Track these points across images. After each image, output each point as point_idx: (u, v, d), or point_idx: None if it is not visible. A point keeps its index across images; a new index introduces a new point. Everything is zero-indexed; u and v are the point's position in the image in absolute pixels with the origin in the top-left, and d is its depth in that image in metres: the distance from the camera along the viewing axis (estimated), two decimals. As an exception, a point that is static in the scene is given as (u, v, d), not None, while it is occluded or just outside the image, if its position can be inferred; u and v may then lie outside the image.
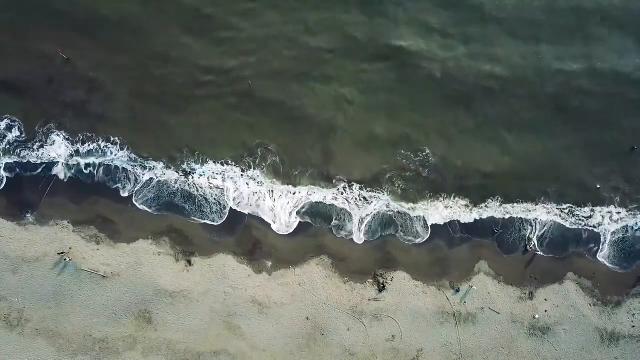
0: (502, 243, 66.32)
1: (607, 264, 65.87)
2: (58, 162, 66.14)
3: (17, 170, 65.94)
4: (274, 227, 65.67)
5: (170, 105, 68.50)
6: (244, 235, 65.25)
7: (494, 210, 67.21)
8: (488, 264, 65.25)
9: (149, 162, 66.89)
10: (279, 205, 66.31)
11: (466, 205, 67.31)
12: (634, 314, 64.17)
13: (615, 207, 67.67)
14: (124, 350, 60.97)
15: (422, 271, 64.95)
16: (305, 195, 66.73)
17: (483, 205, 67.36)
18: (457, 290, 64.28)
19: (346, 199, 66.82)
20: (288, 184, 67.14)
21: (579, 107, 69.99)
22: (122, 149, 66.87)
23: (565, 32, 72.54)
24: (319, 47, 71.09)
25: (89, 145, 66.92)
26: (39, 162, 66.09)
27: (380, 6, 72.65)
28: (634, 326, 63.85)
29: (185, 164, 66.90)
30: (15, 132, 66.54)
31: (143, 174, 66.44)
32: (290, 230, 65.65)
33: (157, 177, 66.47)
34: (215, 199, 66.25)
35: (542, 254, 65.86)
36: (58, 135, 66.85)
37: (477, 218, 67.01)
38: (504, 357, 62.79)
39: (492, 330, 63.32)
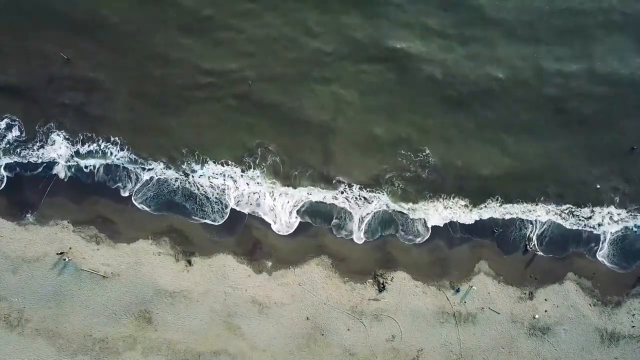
0: (502, 243, 66.39)
1: (607, 264, 65.94)
2: (58, 161, 66.17)
3: (17, 169, 65.99)
4: (274, 227, 65.71)
5: (170, 105, 68.58)
6: (244, 235, 65.28)
7: (493, 210, 67.29)
8: (488, 264, 65.30)
9: (149, 162, 66.90)
10: (279, 204, 66.36)
11: (466, 206, 67.37)
12: (634, 314, 64.19)
13: (615, 207, 67.76)
14: (124, 350, 60.94)
15: (422, 271, 65.00)
16: (305, 195, 66.77)
17: (483, 205, 67.44)
18: (457, 290, 64.30)
19: (346, 198, 66.89)
20: (288, 185, 67.17)
21: (578, 108, 70.05)
22: (122, 149, 66.91)
23: (564, 34, 72.62)
24: (318, 49, 71.16)
25: (89, 145, 66.98)
26: (39, 161, 66.16)
27: (380, 7, 72.74)
28: (633, 326, 63.88)
29: (185, 164, 66.93)
30: (15, 132, 66.59)
31: (143, 174, 66.45)
32: (291, 231, 65.69)
33: (157, 176, 66.50)
34: (216, 197, 66.30)
35: (542, 254, 65.92)
36: (58, 134, 66.90)
37: (477, 218, 67.08)
38: (504, 357, 62.79)
39: (492, 330, 63.32)
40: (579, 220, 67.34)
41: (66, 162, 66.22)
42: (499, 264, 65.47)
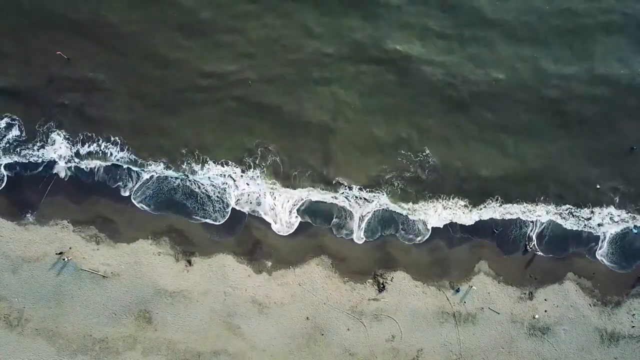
0: (502, 243, 66.42)
1: (606, 264, 65.96)
2: (58, 161, 66.14)
3: (17, 169, 65.92)
4: (274, 227, 65.71)
5: (170, 106, 68.55)
6: (244, 235, 65.28)
7: (493, 210, 67.33)
8: (488, 264, 65.31)
9: (148, 162, 66.91)
10: (279, 203, 66.35)
11: (466, 206, 67.41)
12: (634, 314, 64.20)
13: (615, 207, 67.79)
14: (123, 350, 60.90)
15: (422, 271, 65.00)
16: (305, 194, 66.80)
17: (483, 205, 67.48)
18: (457, 290, 64.31)
19: (346, 197, 66.91)
20: (288, 186, 67.18)
21: (578, 109, 70.10)
22: (122, 150, 66.93)
23: (564, 35, 72.70)
24: (318, 50, 71.21)
25: (89, 145, 66.97)
26: (39, 161, 66.11)
27: (380, 9, 72.80)
28: (633, 326, 63.88)
29: (185, 163, 66.95)
30: (16, 131, 66.55)
31: (143, 173, 66.47)
32: (291, 230, 65.69)
33: (157, 174, 66.52)
34: (218, 196, 66.32)
35: (542, 254, 65.94)
36: (58, 134, 66.88)
37: (477, 219, 67.09)
38: (504, 357, 62.79)
39: (492, 330, 63.33)
40: (579, 220, 67.37)
41: (66, 162, 66.22)
42: (499, 264, 65.48)
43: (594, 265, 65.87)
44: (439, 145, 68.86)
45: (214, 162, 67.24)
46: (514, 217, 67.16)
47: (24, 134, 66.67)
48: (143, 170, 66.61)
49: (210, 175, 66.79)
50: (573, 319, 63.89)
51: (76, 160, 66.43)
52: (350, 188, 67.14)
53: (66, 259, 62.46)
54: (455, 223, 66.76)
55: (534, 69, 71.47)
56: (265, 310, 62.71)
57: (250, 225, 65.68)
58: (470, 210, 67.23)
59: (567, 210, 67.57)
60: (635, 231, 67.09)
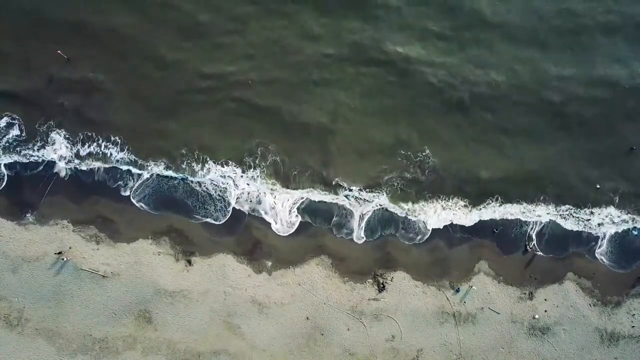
0: (501, 243, 66.46)
1: (606, 264, 65.98)
2: (58, 161, 66.15)
3: (18, 169, 65.93)
4: (274, 227, 65.73)
5: (170, 107, 68.66)
6: (244, 235, 65.31)
7: (493, 210, 67.37)
8: (488, 264, 65.33)
9: (148, 163, 66.91)
10: (280, 202, 66.33)
11: (465, 206, 67.44)
12: (634, 314, 64.20)
13: (615, 208, 67.86)
14: (123, 349, 60.86)
15: (422, 271, 65.02)
16: (305, 195, 66.83)
17: (482, 206, 67.50)
18: (457, 290, 64.30)
19: (346, 197, 66.93)
20: (288, 186, 67.20)
21: (577, 110, 70.28)
22: (122, 150, 66.95)
23: (563, 37, 72.91)
24: (318, 51, 71.37)
25: (89, 145, 66.98)
26: (39, 160, 66.15)
27: (379, 11, 73.01)
28: (633, 326, 63.88)
29: (185, 164, 66.97)
30: (16, 131, 66.61)
31: (143, 173, 66.49)
32: (292, 230, 65.71)
33: (157, 173, 66.55)
34: (219, 194, 66.35)
35: (542, 254, 65.98)
36: (58, 133, 66.93)
37: (477, 219, 67.13)
38: (504, 357, 62.76)
39: (492, 330, 63.30)
40: (579, 220, 67.43)
41: (67, 162, 66.22)
42: (498, 264, 65.51)
43: (594, 266, 65.92)
44: (438, 146, 68.97)
45: (214, 162, 67.25)
46: (514, 217, 67.18)
47: (24, 134, 66.72)
48: (143, 170, 66.56)
49: (210, 176, 66.73)
50: (573, 319, 63.88)
51: (76, 161, 66.39)
52: (350, 189, 67.16)
53: (65, 259, 62.45)
54: (456, 224, 66.77)
55: (534, 71, 71.68)
56: (265, 310, 62.69)
57: (250, 225, 65.72)
58: (470, 211, 67.26)
59: (567, 210, 67.61)
60: (635, 233, 67.12)
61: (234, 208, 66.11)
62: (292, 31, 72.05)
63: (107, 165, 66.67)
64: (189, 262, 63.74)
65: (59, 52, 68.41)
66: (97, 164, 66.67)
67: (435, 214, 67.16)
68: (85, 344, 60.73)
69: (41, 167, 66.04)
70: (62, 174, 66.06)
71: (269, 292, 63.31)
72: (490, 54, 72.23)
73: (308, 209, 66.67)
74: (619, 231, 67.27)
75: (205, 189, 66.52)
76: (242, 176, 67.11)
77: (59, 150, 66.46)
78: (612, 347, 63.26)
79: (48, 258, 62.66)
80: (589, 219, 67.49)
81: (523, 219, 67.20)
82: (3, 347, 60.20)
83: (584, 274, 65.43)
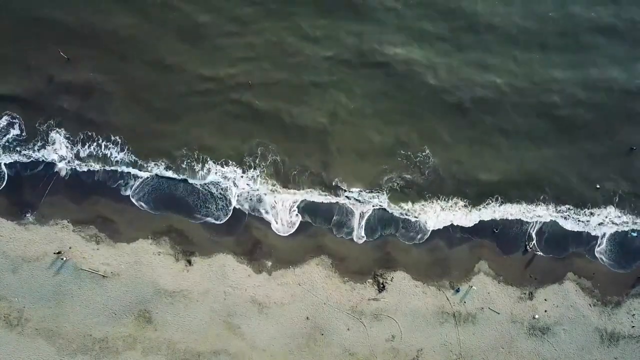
0: (501, 243, 66.48)
1: (606, 264, 66.01)
2: (57, 162, 66.14)
3: (18, 168, 65.86)
4: (274, 227, 65.72)
5: (169, 109, 68.70)
6: (244, 235, 65.29)
7: (493, 211, 67.41)
8: (488, 264, 65.35)
9: (149, 163, 66.90)
10: (280, 201, 66.31)
11: (465, 206, 67.47)
12: (634, 314, 64.22)
13: (615, 208, 67.95)
14: (123, 349, 60.79)
15: (422, 271, 65.02)
16: (305, 196, 66.84)
17: (482, 206, 67.54)
18: (457, 290, 64.30)
19: (346, 197, 66.92)
20: (288, 187, 67.20)
21: (577, 112, 70.52)
22: (122, 150, 66.94)
23: (562, 40, 73.12)
24: (317, 53, 71.56)
25: (89, 145, 66.97)
26: (39, 160, 66.11)
27: (379, 13, 73.22)
28: (633, 326, 63.90)
29: (185, 164, 66.96)
30: (16, 130, 66.60)
31: (143, 173, 66.50)
32: (292, 230, 65.71)
33: (157, 173, 66.56)
34: (220, 193, 66.33)
35: (542, 254, 66.01)
36: (58, 133, 66.91)
37: (477, 220, 67.18)
38: (504, 357, 62.74)
39: (492, 330, 63.29)
40: (579, 220, 67.49)
41: (67, 162, 66.18)
42: (498, 264, 65.53)
43: (594, 266, 65.97)
44: (438, 146, 69.10)
45: (214, 162, 67.24)
46: (514, 217, 67.22)
47: (24, 133, 66.70)
48: (143, 171, 66.55)
49: (210, 177, 66.73)
50: (573, 319, 63.90)
51: (76, 162, 66.32)
52: (350, 191, 67.15)
53: (64, 259, 62.42)
54: (456, 225, 66.87)
55: (533, 73, 71.76)
56: (265, 310, 62.66)
57: (250, 225, 65.71)
58: (470, 211, 67.30)
59: (567, 210, 67.67)
60: (634, 234, 67.14)
61: (234, 208, 66.05)
62: (292, 33, 72.23)
63: (107, 167, 66.55)
64: (189, 262, 63.72)
65: (61, 53, 68.39)
66: (97, 166, 66.49)
67: (435, 215, 67.16)
68: (85, 344, 60.66)
69: (41, 167, 65.98)
70: (63, 173, 66.04)
71: (269, 292, 63.29)
72: (490, 56, 72.40)
73: (308, 209, 66.64)
74: (619, 231, 67.30)
75: (207, 187, 66.50)
76: (242, 176, 67.12)
77: (59, 150, 66.43)
78: (612, 347, 63.26)
79: (48, 258, 62.61)
80: (589, 219, 67.56)
81: (523, 219, 67.20)
82: (3, 347, 60.13)
83: (584, 274, 65.47)
